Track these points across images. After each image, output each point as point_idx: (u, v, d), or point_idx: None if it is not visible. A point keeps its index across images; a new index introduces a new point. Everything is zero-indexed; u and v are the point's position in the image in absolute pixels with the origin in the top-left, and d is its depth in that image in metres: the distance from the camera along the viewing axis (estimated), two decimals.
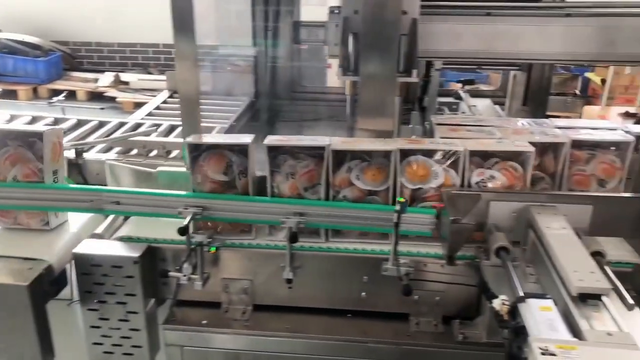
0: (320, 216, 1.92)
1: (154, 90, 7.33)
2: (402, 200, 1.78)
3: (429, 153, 1.91)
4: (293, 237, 1.81)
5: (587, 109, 5.37)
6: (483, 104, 3.17)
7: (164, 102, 5.03)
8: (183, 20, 1.95)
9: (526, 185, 1.94)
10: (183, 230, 1.83)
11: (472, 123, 2.19)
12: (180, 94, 2.08)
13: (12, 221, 2.15)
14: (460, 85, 3.22)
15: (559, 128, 2.12)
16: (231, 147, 1.98)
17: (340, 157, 1.94)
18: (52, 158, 2.06)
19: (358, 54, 2.05)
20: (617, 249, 1.96)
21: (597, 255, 1.71)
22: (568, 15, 2.33)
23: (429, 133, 2.36)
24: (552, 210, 1.81)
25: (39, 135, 2.04)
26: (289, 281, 1.95)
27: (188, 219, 1.88)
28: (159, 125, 3.68)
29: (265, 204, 1.93)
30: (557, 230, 1.70)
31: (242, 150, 1.97)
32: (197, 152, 1.98)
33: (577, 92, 7.99)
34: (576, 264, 1.51)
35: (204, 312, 2.07)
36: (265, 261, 2.02)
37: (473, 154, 1.91)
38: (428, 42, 2.33)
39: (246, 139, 1.98)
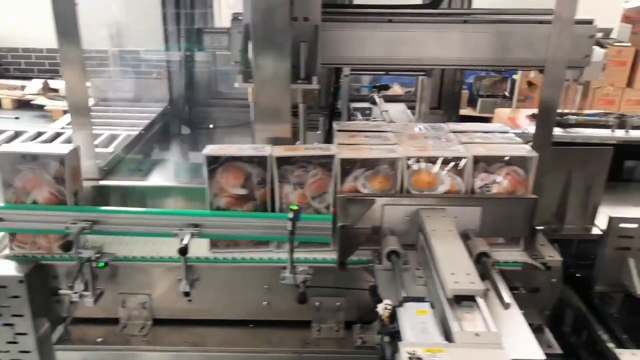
0: (215, 227, 1.89)
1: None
2: (295, 207, 1.78)
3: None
4: (183, 251, 1.77)
5: (498, 111, 5.57)
6: (397, 109, 3.22)
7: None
8: (66, 24, 1.88)
9: (528, 189, 1.95)
10: (67, 246, 1.76)
11: (370, 129, 2.22)
12: (68, 101, 2.00)
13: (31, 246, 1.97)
14: (376, 90, 3.27)
15: (454, 132, 2.17)
16: (250, 159, 1.90)
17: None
18: (73, 179, 1.92)
19: None
20: (509, 248, 2.03)
21: (483, 256, 1.76)
22: (465, 21, 2.40)
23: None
24: (441, 213, 1.85)
25: (58, 157, 1.88)
26: (186, 294, 1.91)
27: (75, 234, 1.81)
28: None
29: (159, 216, 1.88)
30: (442, 233, 1.74)
31: (260, 162, 1.89)
32: (215, 164, 1.89)
33: (507, 93, 8.33)
34: (454, 267, 1.54)
35: (100, 329, 2.00)
36: (162, 274, 1.97)
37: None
38: (331, 48, 2.35)
39: (266, 150, 1.90)
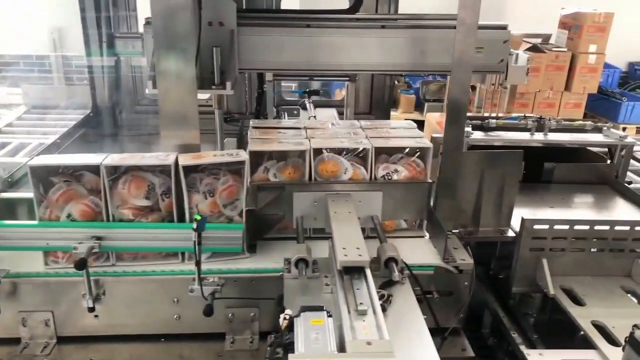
0: (118, 239, 1.81)
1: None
2: (198, 217, 1.72)
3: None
4: (79, 265, 1.69)
5: (428, 115, 5.70)
6: (326, 114, 3.22)
7: (19, 118, 4.68)
8: None
9: (427, 178, 2.10)
10: None
11: (283, 126, 2.24)
12: None
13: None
14: (306, 95, 3.26)
15: (362, 128, 2.23)
16: (152, 169, 1.83)
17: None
18: None
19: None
20: (422, 252, 2.04)
21: (391, 261, 1.76)
22: (383, 27, 2.41)
23: None
24: (345, 197, 1.92)
25: (92, 168, 1.79)
26: (91, 310, 1.83)
27: None
28: (6, 145, 3.39)
29: (57, 229, 1.80)
30: (342, 215, 1.80)
31: (164, 170, 1.83)
32: (115, 174, 1.82)
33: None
34: (346, 242, 1.61)
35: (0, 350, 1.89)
36: (65, 290, 1.88)
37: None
38: (249, 53, 2.32)
39: (169, 158, 1.82)
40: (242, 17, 2.27)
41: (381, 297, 1.61)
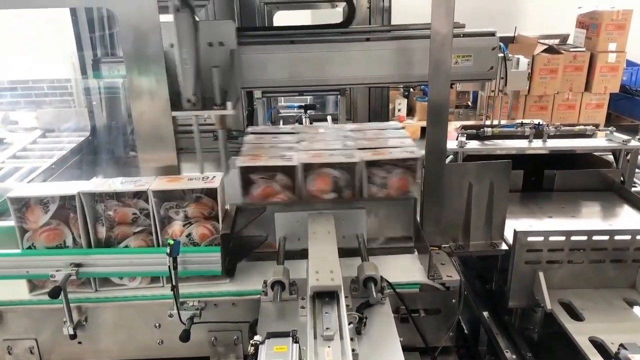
0: (98, 265, 1.82)
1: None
2: (171, 242, 1.71)
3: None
4: (53, 294, 1.70)
5: None
6: (323, 126, 3.20)
7: (34, 142, 4.79)
8: None
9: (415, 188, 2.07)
10: None
11: (276, 131, 2.25)
12: None
13: None
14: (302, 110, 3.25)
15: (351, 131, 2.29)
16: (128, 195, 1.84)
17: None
18: None
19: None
20: (409, 269, 1.98)
21: (370, 281, 1.71)
22: (368, 39, 2.38)
23: None
24: (326, 217, 1.87)
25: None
26: (72, 337, 1.83)
27: None
28: (18, 169, 3.47)
29: (35, 257, 1.81)
30: (321, 235, 1.76)
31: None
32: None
33: (469, 103, 8.36)
34: (320, 265, 1.56)
35: None
36: (48, 317, 1.89)
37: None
38: (246, 72, 2.33)
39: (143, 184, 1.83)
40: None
41: (354, 319, 1.56)
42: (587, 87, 7.63)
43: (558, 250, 2.12)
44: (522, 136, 2.69)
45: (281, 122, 3.30)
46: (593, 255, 2.13)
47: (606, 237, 2.10)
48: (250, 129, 2.42)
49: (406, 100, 8.14)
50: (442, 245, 2.13)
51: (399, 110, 8.14)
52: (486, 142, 2.69)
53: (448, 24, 1.83)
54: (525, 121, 2.78)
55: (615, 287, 2.17)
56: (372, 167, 2.06)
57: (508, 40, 7.64)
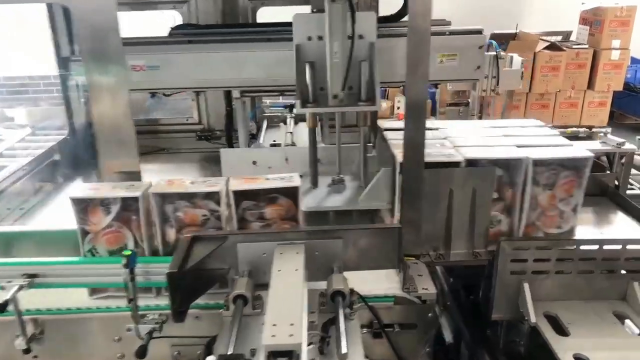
0: (54, 275, 1.72)
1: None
2: (128, 253, 1.62)
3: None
4: (1, 307, 1.61)
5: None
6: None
7: (22, 140, 4.70)
8: None
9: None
10: None
11: None
12: None
13: None
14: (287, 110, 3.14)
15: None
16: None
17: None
18: None
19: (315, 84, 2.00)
20: (387, 281, 1.87)
21: (338, 295, 1.61)
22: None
23: None
24: (297, 249, 1.70)
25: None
26: (26, 351, 1.74)
27: None
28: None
29: None
30: (286, 273, 1.58)
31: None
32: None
33: (469, 101, 8.22)
34: (280, 316, 1.38)
35: None
36: (3, 330, 1.80)
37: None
38: (207, 71, 2.23)
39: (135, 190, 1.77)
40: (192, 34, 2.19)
41: (317, 339, 1.46)
42: (590, 85, 7.46)
43: (545, 261, 2.01)
44: None
45: (265, 122, 3.20)
46: (582, 265, 2.02)
47: (595, 247, 1.99)
48: None
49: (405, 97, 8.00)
50: (422, 254, 2.02)
51: (399, 107, 8.00)
52: None
53: (425, 20, 1.72)
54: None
55: (605, 299, 2.06)
56: (538, 166, 1.95)
57: (509, 37, 7.50)
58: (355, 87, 2.06)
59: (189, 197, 1.76)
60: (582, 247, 1.98)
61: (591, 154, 1.99)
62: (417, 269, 1.89)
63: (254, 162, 2.40)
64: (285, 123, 3.11)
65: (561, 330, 1.90)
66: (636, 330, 1.91)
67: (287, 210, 1.82)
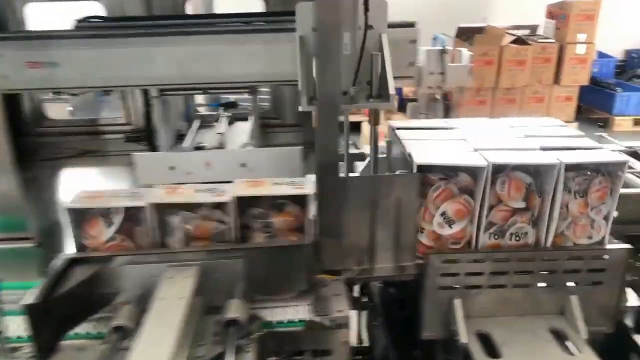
0: None
1: None
2: None
3: None
4: None
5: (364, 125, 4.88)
6: (242, 128, 2.88)
7: None
8: None
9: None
10: None
11: None
12: None
13: None
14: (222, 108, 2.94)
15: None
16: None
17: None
18: None
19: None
20: (295, 303, 1.69)
21: (231, 325, 1.42)
22: (273, 30, 2.08)
23: None
24: (188, 272, 1.50)
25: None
26: None
27: None
28: None
29: None
30: (169, 302, 1.39)
31: None
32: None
33: (437, 96, 8.09)
34: (142, 357, 1.19)
35: None
36: None
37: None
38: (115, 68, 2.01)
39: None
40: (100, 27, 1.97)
41: None
42: (557, 79, 7.40)
43: (477, 274, 1.85)
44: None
45: (197, 121, 2.98)
46: (517, 279, 1.87)
47: (531, 259, 1.84)
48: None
49: None
50: (346, 270, 1.84)
51: None
52: None
53: (335, 12, 1.53)
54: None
55: (545, 314, 1.91)
56: (569, 172, 1.76)
57: (476, 31, 7.38)
58: (364, 82, 1.86)
59: (195, 208, 1.59)
60: (518, 259, 1.83)
61: (627, 158, 1.82)
62: (335, 288, 1.71)
63: (172, 168, 2.19)
64: (217, 121, 2.90)
65: (493, 351, 1.75)
66: (573, 349, 1.76)
67: (297, 219, 1.64)
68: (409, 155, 1.80)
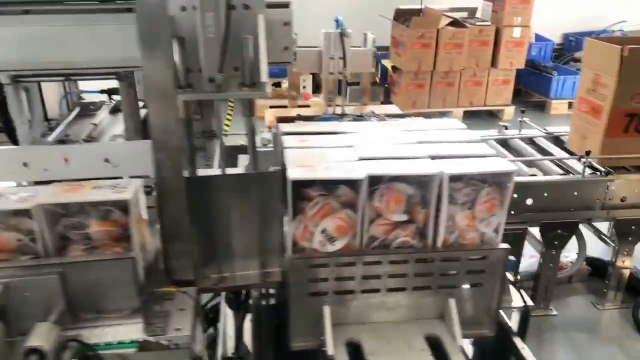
0: None
1: None
2: None
3: None
4: None
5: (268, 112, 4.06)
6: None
7: None
8: None
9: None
10: None
11: None
12: None
13: None
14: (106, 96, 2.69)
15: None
16: None
17: None
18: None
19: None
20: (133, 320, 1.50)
21: (31, 354, 1.22)
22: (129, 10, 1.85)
23: None
24: None
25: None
26: None
27: None
28: None
29: None
30: None
31: None
32: None
33: (378, 80, 7.94)
34: None
35: None
36: None
37: None
38: None
39: None
40: None
41: None
42: (494, 62, 7.36)
43: (348, 279, 1.71)
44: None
45: (76, 110, 2.72)
46: (391, 282, 1.74)
47: (404, 261, 1.71)
48: None
49: (311, 75, 7.62)
50: (204, 278, 1.67)
51: (304, 87, 7.63)
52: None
53: None
54: (346, 112, 2.34)
55: (424, 319, 1.80)
56: (455, 182, 1.62)
57: (414, 13, 7.25)
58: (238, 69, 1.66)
59: None
60: (390, 262, 1.70)
61: (515, 168, 1.68)
62: (180, 302, 1.53)
63: (25, 164, 1.95)
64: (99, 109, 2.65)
65: None
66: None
67: (123, 228, 1.42)
68: (286, 168, 1.63)
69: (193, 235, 1.59)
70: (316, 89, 7.89)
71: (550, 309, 3.62)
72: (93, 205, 1.35)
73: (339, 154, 1.76)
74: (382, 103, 7.69)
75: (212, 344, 2.10)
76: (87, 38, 1.82)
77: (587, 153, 3.11)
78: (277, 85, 7.45)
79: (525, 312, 1.85)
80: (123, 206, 1.36)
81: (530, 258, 3.80)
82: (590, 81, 3.02)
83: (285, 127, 2.02)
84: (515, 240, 3.18)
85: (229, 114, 7.17)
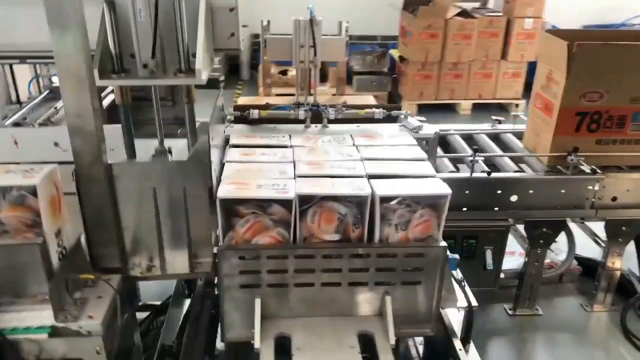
0: None
1: None
2: None
3: None
4: None
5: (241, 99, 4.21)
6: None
7: None
8: None
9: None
10: None
11: None
12: None
13: None
14: None
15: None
16: None
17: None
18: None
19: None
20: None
21: None
22: None
23: None
24: None
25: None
26: None
27: None
28: None
29: None
30: None
31: None
32: None
33: (386, 70, 7.82)
34: None
35: None
36: None
37: None
38: None
39: None
40: None
41: None
42: (504, 54, 7.17)
43: (281, 272, 1.67)
44: (296, 120, 2.20)
45: (46, 92, 2.71)
46: (325, 277, 1.69)
47: (339, 256, 1.66)
48: None
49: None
50: (133, 266, 1.65)
51: None
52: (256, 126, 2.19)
53: None
54: (302, 102, 2.29)
55: (362, 315, 1.75)
56: (387, 203, 1.60)
57: (424, 2, 7.11)
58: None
59: None
60: (324, 256, 1.65)
61: (449, 191, 1.62)
62: (101, 290, 1.51)
63: None
64: None
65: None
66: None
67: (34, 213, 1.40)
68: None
69: (119, 222, 1.57)
70: (323, 78, 7.82)
71: (536, 309, 3.51)
72: (1, 190, 1.34)
73: (278, 170, 1.75)
74: (390, 93, 7.59)
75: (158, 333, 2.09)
76: (31, 21, 1.80)
77: (575, 150, 2.99)
78: (284, 73, 7.38)
79: (469, 313, 1.79)
80: (32, 191, 1.34)
81: (520, 256, 3.71)
82: (545, 77, 2.84)
83: (234, 139, 1.99)
84: (498, 237, 3.09)
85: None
